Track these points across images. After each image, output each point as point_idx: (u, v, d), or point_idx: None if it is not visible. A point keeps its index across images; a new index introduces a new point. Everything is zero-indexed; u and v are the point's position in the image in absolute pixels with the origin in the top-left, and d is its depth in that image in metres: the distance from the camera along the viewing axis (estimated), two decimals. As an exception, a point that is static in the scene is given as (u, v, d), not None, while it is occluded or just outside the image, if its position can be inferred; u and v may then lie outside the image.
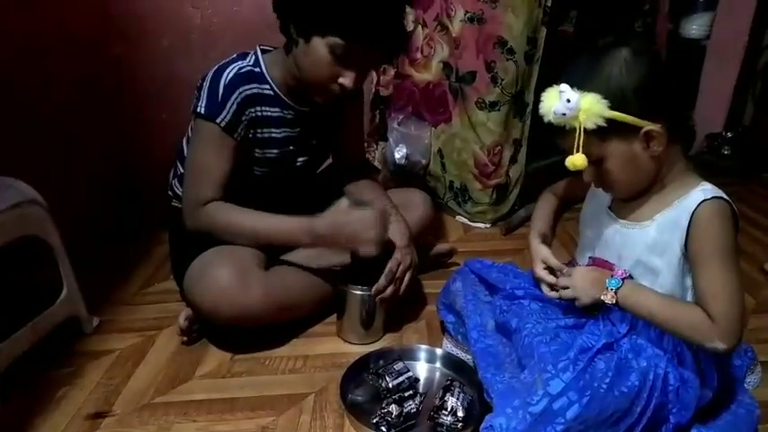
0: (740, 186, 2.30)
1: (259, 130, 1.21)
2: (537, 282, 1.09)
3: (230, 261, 1.13)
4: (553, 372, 0.89)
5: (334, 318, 1.30)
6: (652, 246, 0.93)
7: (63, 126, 1.56)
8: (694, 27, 2.56)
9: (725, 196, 0.90)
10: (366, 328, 1.25)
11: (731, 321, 0.87)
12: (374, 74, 2.14)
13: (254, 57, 1.19)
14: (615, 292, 0.94)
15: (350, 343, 1.26)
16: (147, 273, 1.53)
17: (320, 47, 1.09)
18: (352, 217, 1.16)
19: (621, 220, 0.99)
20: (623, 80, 0.85)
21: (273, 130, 1.22)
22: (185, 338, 1.23)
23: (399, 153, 2.03)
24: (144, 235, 1.68)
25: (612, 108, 0.84)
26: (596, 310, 1.00)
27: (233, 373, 1.16)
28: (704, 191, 0.90)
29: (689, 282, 0.93)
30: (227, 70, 1.14)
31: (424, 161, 2.04)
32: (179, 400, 1.07)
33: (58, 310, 1.18)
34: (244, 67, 1.17)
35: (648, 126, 0.86)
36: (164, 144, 1.43)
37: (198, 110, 1.14)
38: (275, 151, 1.24)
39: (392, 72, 2.09)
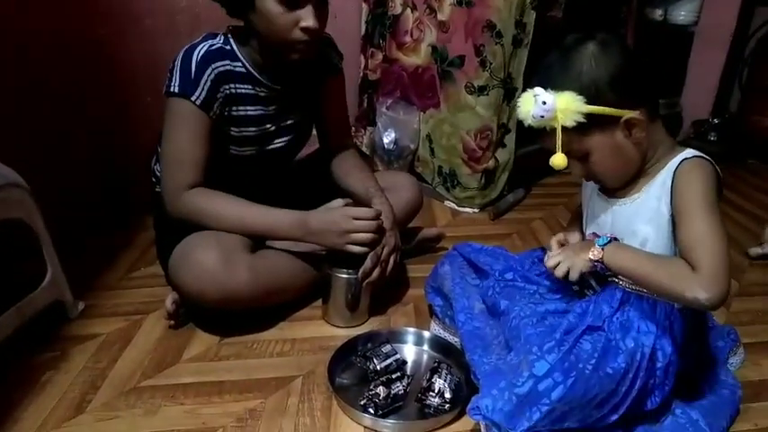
0: (726, 172, 2.29)
1: (234, 108, 1.19)
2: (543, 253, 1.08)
3: (216, 244, 1.12)
4: (539, 353, 0.89)
5: (321, 301, 1.29)
6: (642, 212, 0.94)
7: (45, 111, 1.54)
8: (682, 13, 2.57)
9: (707, 157, 0.91)
10: (351, 312, 1.25)
11: (714, 270, 0.82)
12: (362, 58, 2.13)
13: (223, 36, 1.18)
14: (602, 249, 0.93)
15: (335, 326, 1.26)
16: (132, 257, 1.51)
17: (268, 3, 1.08)
18: (346, 214, 1.16)
19: (612, 200, 1.00)
20: (594, 74, 0.86)
21: (249, 108, 1.21)
22: (172, 322, 1.22)
23: (388, 138, 2.03)
24: (129, 220, 1.66)
25: (589, 103, 0.85)
26: (589, 289, 1.00)
27: (220, 357, 1.15)
28: (687, 152, 0.92)
29: (677, 246, 0.93)
30: (199, 48, 1.13)
31: (412, 146, 2.03)
32: (166, 384, 1.07)
33: (42, 295, 1.17)
34: (215, 44, 1.15)
35: (627, 114, 0.88)
36: (148, 127, 1.41)
37: (171, 89, 1.12)
38: (252, 129, 1.23)
39: (380, 56, 2.08)
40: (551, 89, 0.86)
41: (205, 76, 1.12)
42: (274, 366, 1.13)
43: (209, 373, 1.10)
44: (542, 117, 0.86)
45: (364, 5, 2.06)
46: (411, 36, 1.96)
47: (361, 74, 2.16)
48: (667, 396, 0.94)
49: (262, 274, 1.16)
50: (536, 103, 0.86)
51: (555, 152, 0.87)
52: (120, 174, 1.70)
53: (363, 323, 1.28)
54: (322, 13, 1.13)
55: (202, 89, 1.12)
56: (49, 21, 1.49)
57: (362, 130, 2.19)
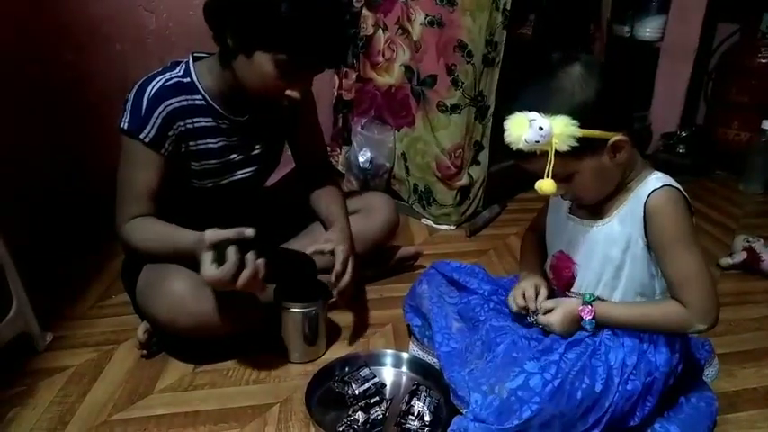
0: (695, 184, 2.37)
1: (192, 143, 1.15)
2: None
3: (186, 271, 1.09)
4: (531, 356, 0.93)
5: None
6: (616, 240, 0.95)
7: (13, 136, 1.50)
8: (648, 30, 2.63)
9: (674, 183, 0.93)
10: (310, 344, 1.20)
11: (705, 301, 0.92)
12: (336, 78, 2.14)
13: (184, 66, 1.14)
14: (591, 330, 0.98)
15: (294, 363, 1.20)
16: (103, 284, 1.48)
17: (265, 62, 1.05)
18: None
19: (584, 220, 1.00)
20: (585, 96, 0.86)
21: (209, 141, 1.17)
22: (144, 352, 1.19)
23: (363, 157, 2.03)
24: (99, 247, 1.62)
25: (581, 126, 0.84)
26: None
27: (195, 386, 1.13)
28: (656, 179, 0.93)
29: (653, 269, 0.95)
30: (153, 83, 1.10)
31: (388, 165, 2.04)
32: (139, 416, 1.04)
33: (7, 327, 1.13)
34: (171, 78, 1.12)
35: (615, 137, 0.88)
36: (119, 153, 1.38)
37: (121, 125, 1.09)
38: (214, 162, 1.19)
39: (354, 76, 2.09)
40: (544, 113, 0.84)
41: (156, 114, 1.08)
42: (250, 394, 1.11)
43: (183, 403, 1.08)
44: (537, 142, 0.84)
45: (337, 26, 2.07)
46: (383, 56, 1.97)
47: (336, 93, 2.16)
48: (648, 415, 0.95)
49: (234, 299, 1.13)
50: (531, 128, 0.84)
51: (541, 176, 0.86)
52: (91, 199, 1.67)
53: (321, 356, 1.23)
54: (309, 86, 1.16)
55: (152, 127, 1.08)
56: (16, 45, 1.46)
57: (338, 150, 2.19)
